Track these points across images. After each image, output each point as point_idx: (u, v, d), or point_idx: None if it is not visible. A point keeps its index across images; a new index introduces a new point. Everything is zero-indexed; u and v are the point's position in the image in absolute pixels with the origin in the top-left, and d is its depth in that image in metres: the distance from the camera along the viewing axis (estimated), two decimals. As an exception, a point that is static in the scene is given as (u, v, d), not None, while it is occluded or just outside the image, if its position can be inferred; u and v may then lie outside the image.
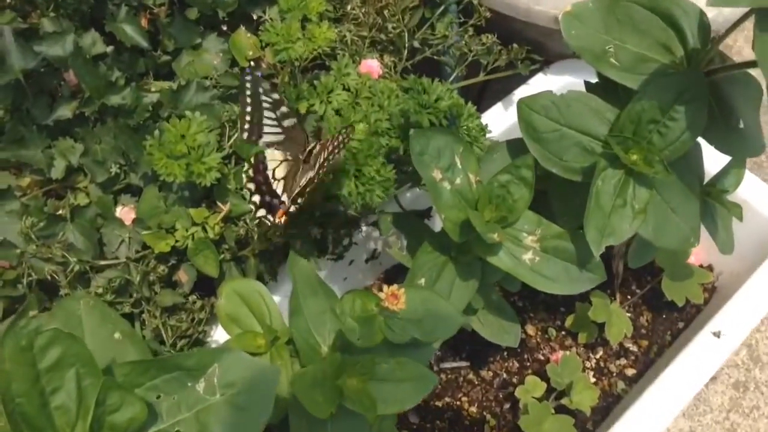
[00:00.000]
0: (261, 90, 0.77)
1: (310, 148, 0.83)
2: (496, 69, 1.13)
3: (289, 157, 0.83)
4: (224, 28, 1.07)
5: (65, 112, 0.94)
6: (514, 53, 1.12)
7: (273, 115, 0.80)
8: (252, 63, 1.04)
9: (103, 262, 0.86)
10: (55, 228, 0.88)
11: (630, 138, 0.77)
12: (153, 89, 1.02)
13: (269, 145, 0.82)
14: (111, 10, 1.05)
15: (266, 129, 0.81)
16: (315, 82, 0.93)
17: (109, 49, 1.04)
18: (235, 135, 0.98)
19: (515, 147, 0.92)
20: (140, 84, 1.03)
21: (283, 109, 0.80)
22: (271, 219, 0.80)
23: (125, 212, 0.88)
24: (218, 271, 0.84)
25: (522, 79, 1.20)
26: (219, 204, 0.86)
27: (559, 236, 0.82)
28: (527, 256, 0.82)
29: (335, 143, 0.78)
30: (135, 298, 0.86)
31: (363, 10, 1.05)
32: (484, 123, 0.91)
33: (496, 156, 0.91)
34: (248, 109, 0.79)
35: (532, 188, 0.80)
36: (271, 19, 1.06)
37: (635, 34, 0.80)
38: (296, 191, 0.79)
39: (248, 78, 0.76)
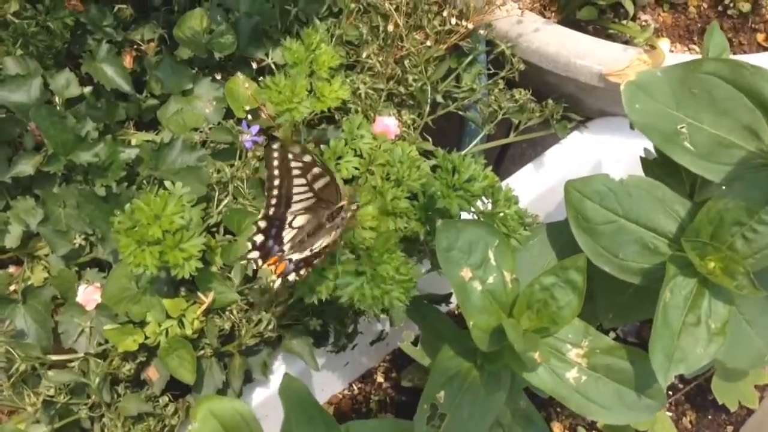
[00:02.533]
0: (291, 155, 0.63)
1: (339, 206, 0.68)
2: (528, 128, 0.99)
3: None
4: (218, 76, 0.92)
5: (26, 167, 0.80)
6: (549, 111, 0.98)
7: (303, 181, 0.66)
8: (249, 115, 0.90)
9: (56, 358, 0.71)
10: (3, 311, 0.73)
11: (708, 243, 0.63)
12: (133, 142, 0.88)
13: (297, 213, 0.67)
14: (90, 45, 0.91)
15: (296, 197, 0.67)
16: (322, 147, 0.78)
17: (87, 89, 0.90)
18: (226, 200, 0.84)
19: (557, 233, 0.77)
20: (118, 134, 0.88)
21: (315, 170, 0.65)
22: (260, 263, 0.66)
23: (89, 292, 0.74)
24: (195, 376, 0.69)
25: (554, 137, 1.05)
26: (200, 294, 0.71)
27: (612, 351, 0.67)
28: (572, 374, 0.67)
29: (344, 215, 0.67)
30: (93, 401, 0.71)
31: (380, 59, 0.91)
32: (510, 188, 0.76)
33: (534, 243, 0.77)
34: (276, 182, 0.65)
35: (582, 295, 0.65)
36: (274, 64, 0.92)
37: (714, 113, 0.66)
38: (306, 253, 0.66)
39: (275, 148, 0.62)
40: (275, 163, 0.64)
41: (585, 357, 0.67)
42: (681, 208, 0.68)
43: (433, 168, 0.74)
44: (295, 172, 0.65)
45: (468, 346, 0.73)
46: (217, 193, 0.84)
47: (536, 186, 1.04)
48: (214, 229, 0.84)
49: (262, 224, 0.66)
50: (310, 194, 0.67)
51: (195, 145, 0.82)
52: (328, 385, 0.98)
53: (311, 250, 0.65)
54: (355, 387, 1.01)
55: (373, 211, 0.69)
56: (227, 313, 0.73)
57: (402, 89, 0.92)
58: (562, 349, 0.68)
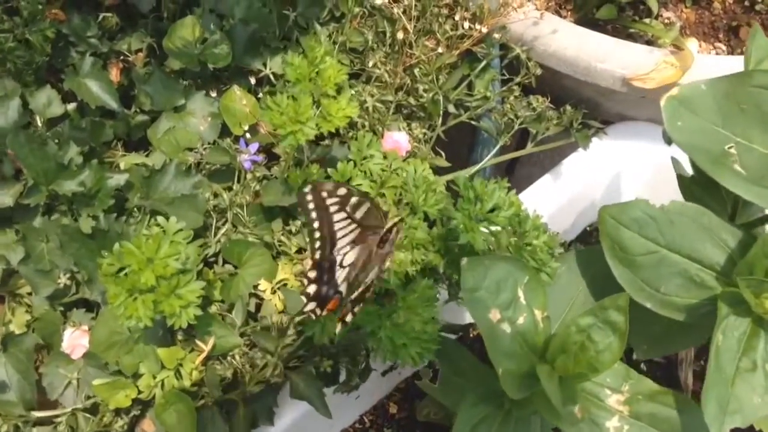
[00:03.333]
0: (324, 193, 0.58)
1: (387, 228, 0.62)
2: (546, 138, 0.92)
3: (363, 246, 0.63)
4: (213, 90, 0.85)
5: (4, 198, 0.73)
6: (567, 118, 0.91)
7: (343, 215, 0.61)
8: (247, 132, 0.83)
9: (41, 414, 0.64)
10: (-18, 361, 0.66)
11: (764, 280, 0.56)
12: (122, 165, 0.81)
13: (345, 249, 0.62)
14: (73, 59, 0.84)
15: (339, 234, 0.61)
16: (329, 171, 0.71)
17: (70, 106, 0.83)
18: (224, 228, 0.77)
19: (588, 261, 0.71)
20: (105, 157, 0.81)
21: (353, 200, 0.60)
22: (318, 312, 0.61)
23: (76, 336, 0.67)
24: (195, 432, 0.62)
25: (572, 144, 0.99)
26: (198, 342, 0.64)
27: (656, 397, 0.61)
28: (612, 424, 0.61)
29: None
30: (84, 460, 0.64)
31: (388, 68, 0.84)
32: (538, 215, 0.69)
33: (562, 272, 0.70)
34: (316, 225, 0.60)
35: (625, 337, 0.58)
36: (273, 74, 0.85)
37: (766, 131, 0.59)
38: (360, 288, 0.60)
39: (308, 192, 0.58)
40: (311, 206, 0.59)
41: (626, 404, 0.61)
42: (729, 236, 0.61)
43: (450, 190, 0.68)
44: (333, 208, 0.60)
45: (493, 388, 0.67)
46: (214, 221, 0.77)
47: (554, 199, 0.97)
48: (212, 259, 0.77)
49: (313, 274, 0.61)
50: (353, 226, 0.61)
51: (189, 169, 0.75)
52: (337, 418, 0.92)
53: (365, 285, 0.60)
54: (366, 420, 0.95)
55: (403, 255, 0.62)
56: (229, 358, 0.67)
57: (412, 100, 0.85)
58: (600, 395, 0.62)
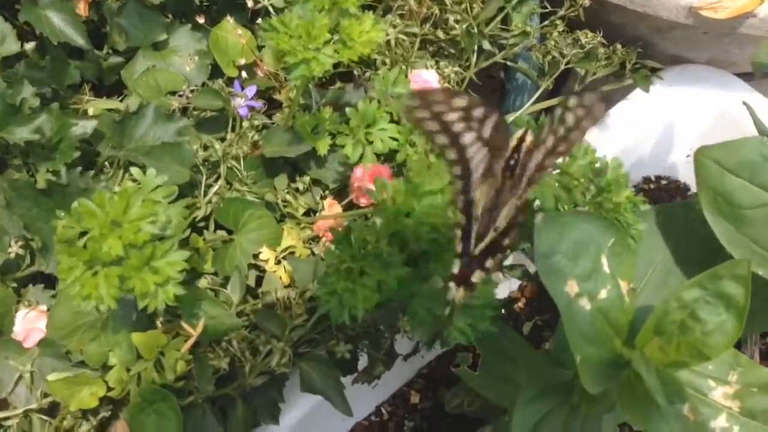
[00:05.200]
0: (441, 106, 0.38)
1: (513, 148, 0.42)
2: (593, 82, 0.78)
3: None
4: (201, 20, 0.71)
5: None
6: (619, 57, 0.77)
7: (473, 135, 0.40)
8: (243, 73, 0.69)
9: (-15, 418, 0.50)
10: None
11: None
12: (90, 111, 0.67)
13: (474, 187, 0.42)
14: (31, -13, 0.69)
15: (473, 163, 0.41)
16: (347, 110, 0.57)
17: (29, 45, 0.68)
18: (217, 186, 0.63)
19: (670, 220, 0.57)
20: (70, 102, 0.67)
21: (478, 111, 0.39)
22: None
23: (31, 319, 0.53)
24: (183, 439, 0.48)
25: (618, 93, 0.85)
26: (185, 325, 0.50)
27: (775, 390, 0.48)
28: (719, 424, 0.48)
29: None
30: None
31: (412, -6, 0.69)
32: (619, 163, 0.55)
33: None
34: (452, 155, 0.40)
35: (744, 316, 0.45)
36: (272, 6, 0.70)
37: None
38: (490, 236, 0.42)
39: (417, 103, 0.37)
40: (431, 125, 0.38)
41: (736, 398, 0.48)
42: None
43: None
44: (458, 127, 0.39)
45: (554, 378, 0.54)
46: (204, 177, 0.63)
47: (601, 153, 0.83)
48: (202, 224, 0.63)
49: (459, 246, 0.42)
50: (484, 151, 0.41)
51: (173, 113, 0.61)
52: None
53: (495, 230, 0.42)
54: (384, 411, 0.81)
55: (441, 200, 0.47)
56: (224, 344, 0.53)
57: (441, 34, 0.71)
58: (702, 388, 0.48)
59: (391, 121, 0.58)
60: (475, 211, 0.41)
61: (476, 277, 0.42)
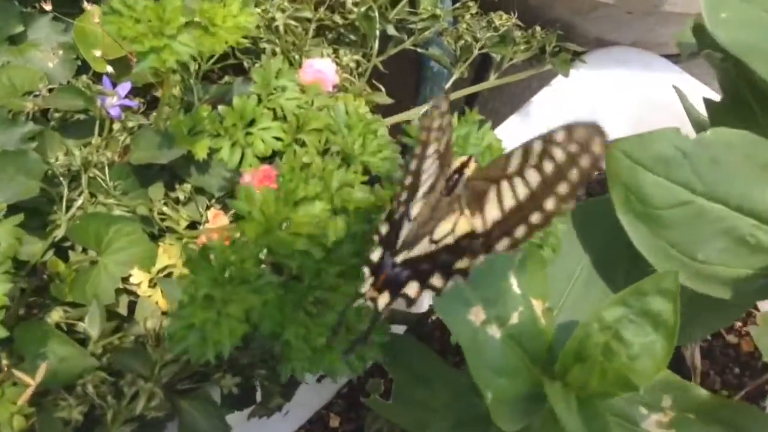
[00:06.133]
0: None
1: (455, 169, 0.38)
2: (511, 67, 0.72)
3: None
4: (48, 6, 0.62)
5: None
6: (538, 41, 0.71)
7: (434, 147, 0.37)
8: (110, 67, 0.60)
9: None
10: None
11: None
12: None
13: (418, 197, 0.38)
14: None
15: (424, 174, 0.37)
16: (220, 108, 0.49)
17: None
18: (80, 200, 0.54)
19: (590, 221, 0.51)
20: None
21: (445, 121, 0.37)
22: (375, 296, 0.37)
23: None
24: None
25: (540, 79, 0.79)
26: (18, 372, 0.42)
27: (714, 413, 0.42)
28: (650, 457, 0.42)
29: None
30: None
31: (302, -26, 0.61)
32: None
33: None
34: (413, 164, 0.36)
35: (674, 336, 0.39)
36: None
37: None
38: (421, 248, 0.37)
39: (441, 108, 0.36)
40: (432, 134, 0.36)
41: (671, 427, 0.42)
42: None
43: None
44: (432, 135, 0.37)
45: (474, 404, 0.47)
46: (65, 189, 0.54)
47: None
48: (67, 244, 0.54)
49: (384, 228, 0.37)
50: (437, 164, 0.38)
51: (16, 117, 0.52)
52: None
53: (433, 242, 0.37)
54: (300, 438, 0.74)
55: (321, 205, 0.40)
56: (79, 389, 0.45)
57: (338, 18, 0.63)
58: (634, 416, 0.42)
59: (275, 118, 0.50)
60: (414, 222, 0.37)
61: (412, 289, 0.36)
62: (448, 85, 0.68)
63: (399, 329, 0.62)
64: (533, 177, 0.34)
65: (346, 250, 0.39)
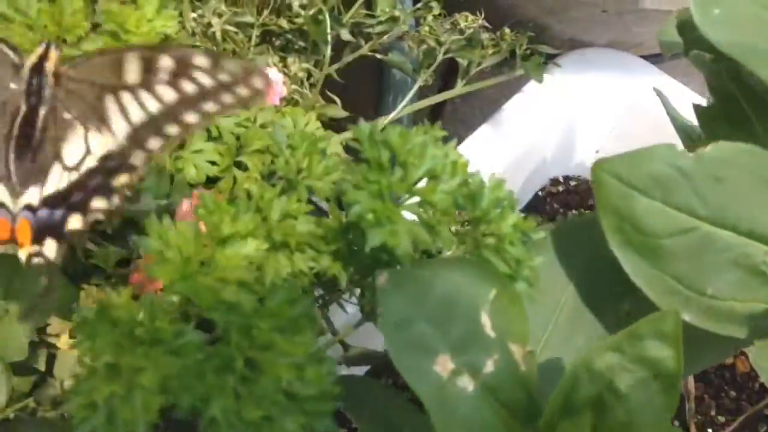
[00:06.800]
0: None
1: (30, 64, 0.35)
2: (479, 73, 0.66)
3: None
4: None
5: None
6: (508, 44, 0.65)
7: None
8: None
9: None
10: None
11: None
12: None
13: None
14: None
15: None
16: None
17: None
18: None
19: (572, 245, 0.45)
20: None
21: None
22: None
23: None
24: None
25: (512, 85, 0.73)
26: None
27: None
28: None
29: None
30: None
31: (243, -26, 0.55)
32: (499, 181, 0.42)
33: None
34: None
35: (678, 386, 0.33)
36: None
37: None
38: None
39: None
40: None
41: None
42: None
43: (351, 154, 0.40)
44: None
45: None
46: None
47: (495, 157, 0.71)
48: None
49: None
50: None
51: None
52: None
53: (66, 168, 0.35)
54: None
55: (255, 244, 0.34)
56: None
57: (284, 23, 0.57)
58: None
59: (210, 138, 0.44)
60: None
61: (77, 223, 0.36)
62: (411, 94, 0.62)
63: (360, 370, 0.55)
64: (169, 94, 0.34)
65: (281, 296, 0.32)
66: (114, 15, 0.37)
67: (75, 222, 0.35)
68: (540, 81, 0.63)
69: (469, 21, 0.63)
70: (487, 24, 0.63)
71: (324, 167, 0.41)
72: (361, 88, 0.73)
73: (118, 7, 0.37)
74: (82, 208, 0.35)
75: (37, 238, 0.35)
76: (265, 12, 0.56)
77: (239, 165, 0.45)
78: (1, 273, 0.43)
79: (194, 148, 0.43)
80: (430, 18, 0.64)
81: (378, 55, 0.64)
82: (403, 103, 0.62)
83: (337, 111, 0.56)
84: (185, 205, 0.47)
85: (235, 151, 0.44)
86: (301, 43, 0.59)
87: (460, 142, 0.71)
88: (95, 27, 0.37)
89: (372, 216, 0.33)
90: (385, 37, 0.63)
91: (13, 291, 0.43)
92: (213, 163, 0.43)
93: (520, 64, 0.64)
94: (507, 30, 0.66)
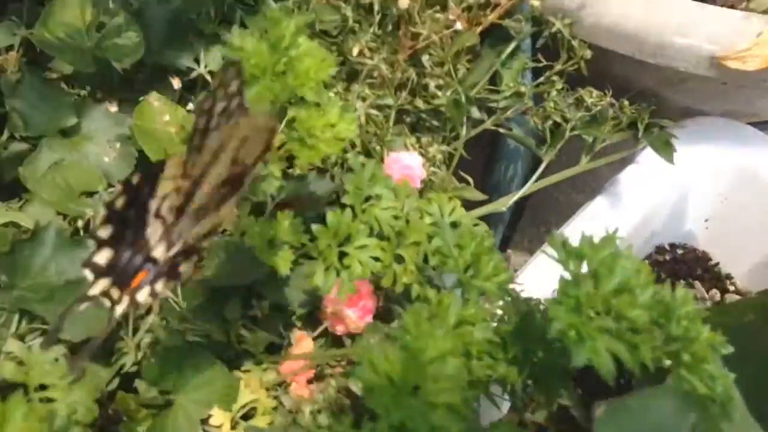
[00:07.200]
0: None
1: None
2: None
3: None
4: (114, 108, 0.57)
5: None
6: (628, 117, 0.65)
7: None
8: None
9: None
10: None
11: None
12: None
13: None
14: None
15: None
16: (314, 228, 0.43)
17: None
18: (149, 322, 0.48)
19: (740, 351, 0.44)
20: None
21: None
22: (115, 297, 0.35)
23: None
24: None
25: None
26: None
27: None
28: None
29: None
30: None
31: (382, 56, 0.56)
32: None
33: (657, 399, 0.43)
34: None
35: None
36: (210, 73, 0.56)
37: None
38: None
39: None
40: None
41: None
42: None
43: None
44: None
45: None
46: (132, 314, 0.48)
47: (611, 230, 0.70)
48: (133, 368, 0.48)
49: (106, 232, 0.35)
50: None
51: (80, 234, 0.46)
52: None
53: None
54: None
55: (453, 364, 0.34)
56: None
57: (420, 103, 0.58)
58: None
59: (370, 234, 0.44)
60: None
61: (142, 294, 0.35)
62: (540, 170, 0.62)
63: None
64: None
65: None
66: (301, 122, 0.38)
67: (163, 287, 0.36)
68: (671, 161, 0.62)
69: (594, 97, 0.63)
70: (613, 100, 0.63)
71: (493, 267, 0.42)
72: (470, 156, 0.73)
73: (306, 112, 0.38)
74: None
75: None
76: (403, 93, 0.56)
77: (397, 259, 0.45)
78: (173, 365, 0.44)
79: (359, 243, 0.43)
80: (554, 93, 0.64)
81: (501, 129, 0.64)
82: (533, 178, 0.61)
83: (474, 193, 0.56)
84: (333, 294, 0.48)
85: (395, 244, 0.45)
86: (434, 122, 0.59)
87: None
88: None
89: (574, 333, 0.33)
90: (510, 111, 0.63)
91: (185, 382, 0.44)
92: (378, 259, 0.44)
93: (644, 138, 0.64)
94: (626, 102, 0.65)
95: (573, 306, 0.34)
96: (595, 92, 0.64)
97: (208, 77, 0.58)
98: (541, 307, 0.39)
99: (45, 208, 0.52)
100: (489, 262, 0.42)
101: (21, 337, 0.44)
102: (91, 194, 0.53)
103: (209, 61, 0.59)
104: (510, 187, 0.72)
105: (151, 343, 0.47)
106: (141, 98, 0.56)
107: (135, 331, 0.48)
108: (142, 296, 0.35)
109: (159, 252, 0.36)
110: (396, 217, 0.46)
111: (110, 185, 0.54)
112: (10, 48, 0.61)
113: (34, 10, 0.61)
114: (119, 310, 0.35)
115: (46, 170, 0.54)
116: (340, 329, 0.50)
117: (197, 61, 0.59)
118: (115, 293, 0.35)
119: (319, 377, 0.51)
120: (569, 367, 0.38)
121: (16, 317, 0.44)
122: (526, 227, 0.91)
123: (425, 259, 0.46)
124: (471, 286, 0.41)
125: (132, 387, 0.46)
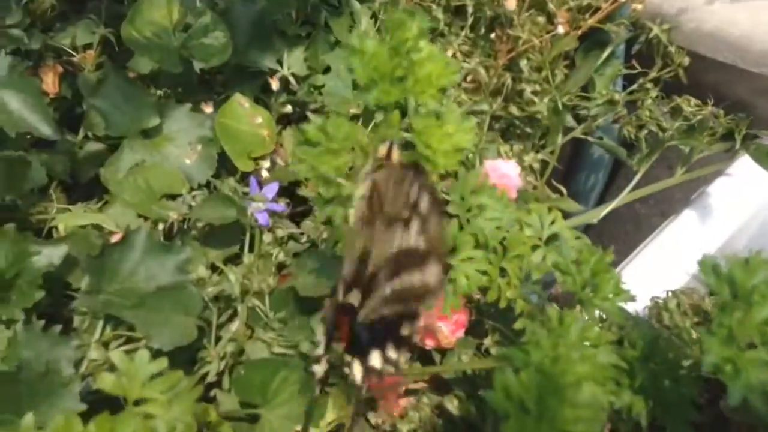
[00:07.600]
0: None
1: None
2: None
3: None
4: (209, 109, 0.55)
5: None
6: (724, 126, 0.61)
7: None
8: (265, 163, 0.53)
9: None
10: None
11: None
12: (61, 229, 0.50)
13: None
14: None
15: None
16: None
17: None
18: (233, 329, 0.46)
19: None
20: (30, 216, 0.50)
21: None
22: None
23: None
24: None
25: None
26: None
27: None
28: None
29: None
30: None
31: (478, 60, 0.53)
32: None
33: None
34: None
35: None
36: (293, 76, 0.54)
37: None
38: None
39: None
40: None
41: None
42: None
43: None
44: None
45: None
46: (215, 317, 0.46)
47: (701, 243, 0.67)
48: (213, 379, 0.46)
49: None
50: None
51: (170, 237, 0.44)
52: None
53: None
54: None
55: (589, 390, 0.31)
56: None
57: (515, 110, 0.55)
58: None
59: (476, 246, 0.42)
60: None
61: (376, 359, 0.31)
62: (634, 182, 0.59)
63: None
64: None
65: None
66: (419, 133, 0.36)
67: (378, 360, 0.32)
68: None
69: (692, 106, 0.60)
70: (715, 110, 0.59)
71: (613, 286, 0.39)
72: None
73: (423, 121, 0.36)
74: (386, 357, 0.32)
75: None
76: (498, 99, 0.54)
77: (503, 274, 0.43)
78: (259, 379, 0.41)
79: (464, 255, 0.41)
80: (649, 101, 0.61)
81: (590, 138, 0.61)
82: (628, 187, 0.58)
83: (570, 204, 0.53)
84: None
85: (501, 256, 0.42)
86: (527, 129, 0.56)
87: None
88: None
89: (731, 368, 0.30)
90: (601, 119, 0.60)
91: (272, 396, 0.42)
92: (484, 272, 0.41)
93: (744, 149, 0.60)
94: (721, 112, 0.62)
95: (725, 336, 0.31)
96: (693, 100, 0.60)
97: (291, 79, 0.56)
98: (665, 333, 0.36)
99: (126, 210, 0.51)
100: (609, 280, 0.39)
101: (105, 344, 0.43)
102: (173, 197, 0.52)
103: (292, 63, 0.57)
104: (589, 197, 0.69)
105: (233, 352, 0.45)
106: (221, 99, 0.55)
107: (217, 339, 0.45)
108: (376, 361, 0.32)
109: None
110: (499, 227, 0.43)
111: (191, 188, 0.52)
112: (88, 46, 0.60)
113: (112, 9, 0.60)
114: None
115: (127, 172, 0.52)
116: (430, 343, 0.47)
117: (280, 62, 0.57)
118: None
119: (406, 392, 0.48)
120: (695, 399, 0.35)
121: (101, 323, 0.42)
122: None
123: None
124: (590, 305, 0.38)
125: (208, 396, 0.44)
